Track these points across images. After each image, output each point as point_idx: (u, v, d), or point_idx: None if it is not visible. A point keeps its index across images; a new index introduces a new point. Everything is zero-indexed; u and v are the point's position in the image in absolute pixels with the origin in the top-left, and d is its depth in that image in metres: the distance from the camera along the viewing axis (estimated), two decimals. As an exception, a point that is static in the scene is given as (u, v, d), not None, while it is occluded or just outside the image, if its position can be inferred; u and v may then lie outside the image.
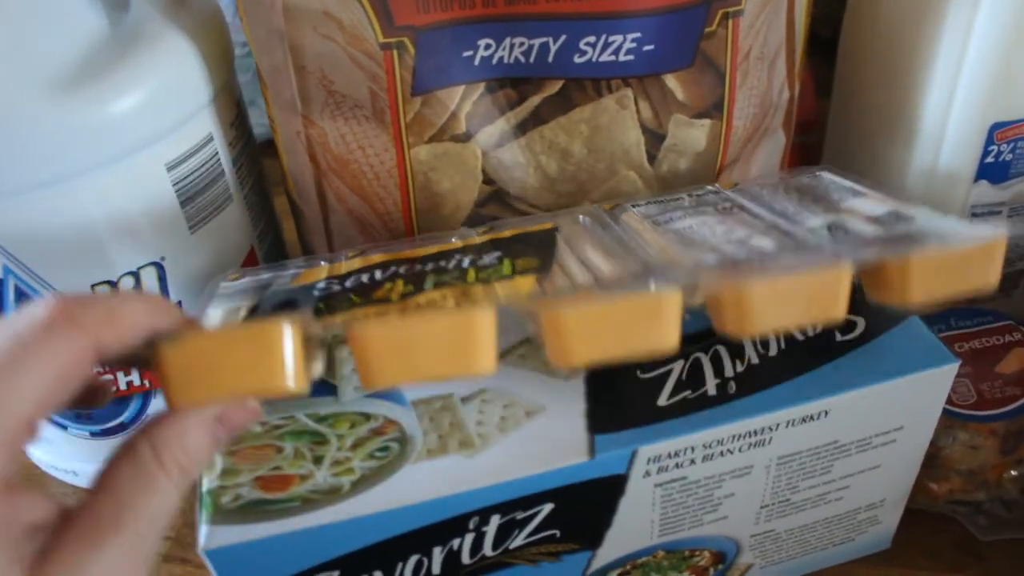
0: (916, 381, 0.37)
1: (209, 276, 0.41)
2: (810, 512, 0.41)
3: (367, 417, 0.36)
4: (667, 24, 0.41)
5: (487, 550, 0.36)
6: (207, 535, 0.32)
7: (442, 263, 0.37)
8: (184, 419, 0.26)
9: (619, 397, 0.36)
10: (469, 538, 0.35)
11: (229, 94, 0.46)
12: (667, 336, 0.28)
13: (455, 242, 0.40)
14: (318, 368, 0.29)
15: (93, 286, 0.41)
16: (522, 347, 0.38)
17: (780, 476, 0.38)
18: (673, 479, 0.36)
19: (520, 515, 0.35)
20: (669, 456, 0.35)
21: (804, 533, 0.42)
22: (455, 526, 0.34)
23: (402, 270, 0.36)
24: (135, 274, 0.42)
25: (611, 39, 0.41)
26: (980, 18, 0.43)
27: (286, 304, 0.34)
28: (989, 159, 0.47)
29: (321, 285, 0.36)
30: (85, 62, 0.39)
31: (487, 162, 0.44)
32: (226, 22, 0.47)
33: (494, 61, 0.42)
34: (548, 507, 0.35)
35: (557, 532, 0.36)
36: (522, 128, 0.44)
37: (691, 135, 0.45)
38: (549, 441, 0.34)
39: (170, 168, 0.42)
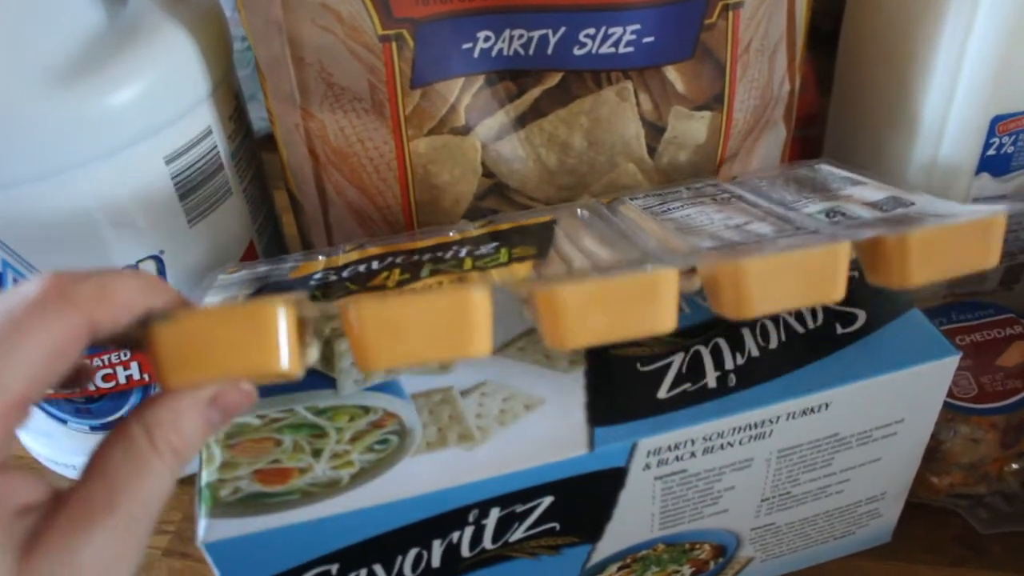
0: (917, 374, 0.37)
1: (208, 269, 0.41)
2: (811, 505, 0.41)
3: (366, 410, 0.36)
4: (667, 16, 0.40)
5: (487, 543, 0.35)
6: (206, 528, 0.32)
7: (439, 253, 0.37)
8: (177, 401, 0.26)
9: (619, 390, 0.36)
10: (469, 531, 0.35)
11: (228, 87, 0.46)
12: (663, 316, 0.28)
13: (453, 235, 0.40)
14: (313, 355, 0.29)
15: (92, 279, 0.41)
16: (521, 340, 0.38)
17: (780, 469, 0.38)
18: (673, 472, 0.36)
19: (520, 508, 0.35)
20: (669, 449, 0.35)
21: (804, 526, 0.42)
22: (454, 519, 0.34)
23: (399, 260, 0.36)
24: (134, 267, 0.42)
25: (611, 31, 0.40)
26: (981, 10, 0.42)
27: (282, 291, 0.34)
28: (990, 152, 0.47)
29: (318, 276, 0.36)
30: (83, 55, 0.39)
31: (487, 155, 0.44)
32: (225, 15, 0.47)
33: (493, 53, 0.41)
34: (548, 500, 0.35)
35: (557, 525, 0.36)
36: (522, 121, 0.44)
37: (691, 127, 0.45)
38: (549, 434, 0.34)
39: (169, 161, 0.41)
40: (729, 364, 0.37)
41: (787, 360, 0.37)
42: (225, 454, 0.34)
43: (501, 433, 0.34)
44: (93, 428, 0.47)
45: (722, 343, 0.38)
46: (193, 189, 0.43)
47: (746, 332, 0.38)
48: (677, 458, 0.35)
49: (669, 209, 0.38)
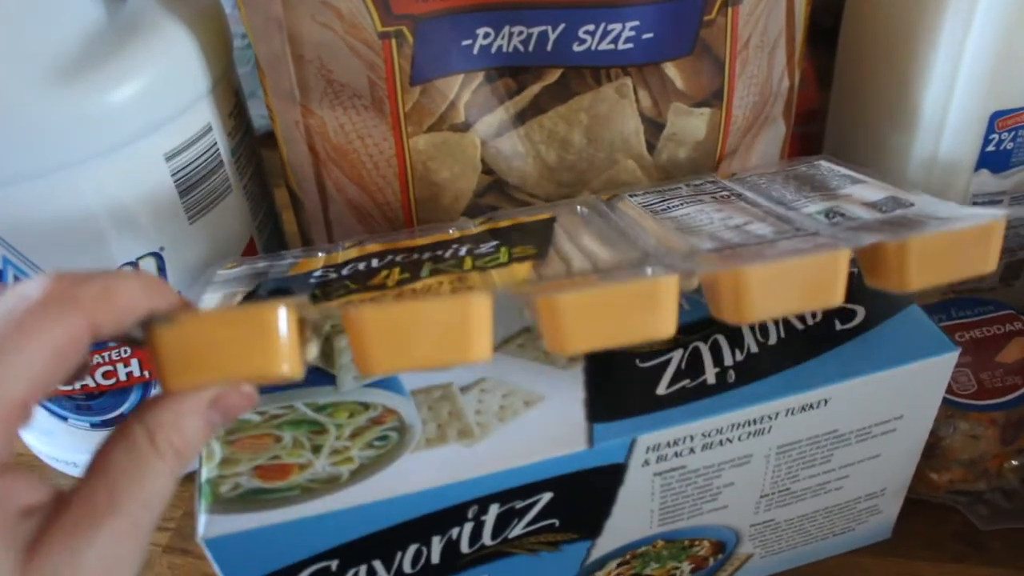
0: (916, 370, 0.37)
1: (208, 266, 0.41)
2: (810, 501, 0.41)
3: (366, 406, 0.36)
4: (666, 12, 0.40)
5: (486, 539, 0.36)
6: (206, 524, 0.32)
7: (439, 252, 0.37)
8: (179, 402, 0.26)
9: (618, 386, 0.36)
10: (468, 527, 0.35)
11: (228, 84, 0.46)
12: (664, 322, 0.28)
13: (453, 232, 0.40)
14: (312, 352, 0.29)
15: (92, 276, 0.41)
16: (520, 337, 0.38)
17: (780, 465, 0.38)
18: (672, 468, 0.36)
19: (519, 504, 0.35)
20: (668, 445, 0.35)
21: (804, 523, 0.42)
22: (454, 515, 0.34)
23: (399, 258, 0.36)
24: (134, 264, 0.42)
25: (610, 27, 0.41)
26: (980, 6, 0.42)
27: (281, 291, 0.34)
28: (990, 148, 0.47)
29: (318, 273, 0.36)
30: (83, 52, 0.39)
31: (486, 152, 0.44)
32: (224, 12, 0.47)
33: (493, 50, 0.41)
34: (547, 496, 0.35)
35: (556, 521, 0.36)
36: (521, 117, 0.44)
37: (691, 124, 0.45)
38: (548, 430, 0.34)
39: (169, 158, 0.42)
40: (728, 360, 0.37)
41: (786, 356, 0.37)
42: (225, 450, 0.34)
43: (500, 429, 0.34)
44: (93, 425, 0.47)
45: (721, 340, 0.38)
46: (193, 186, 0.43)
47: (745, 329, 0.38)
48: (676, 454, 0.35)
49: (668, 208, 0.38)
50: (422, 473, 0.33)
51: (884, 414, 0.38)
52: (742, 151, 0.48)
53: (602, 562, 0.39)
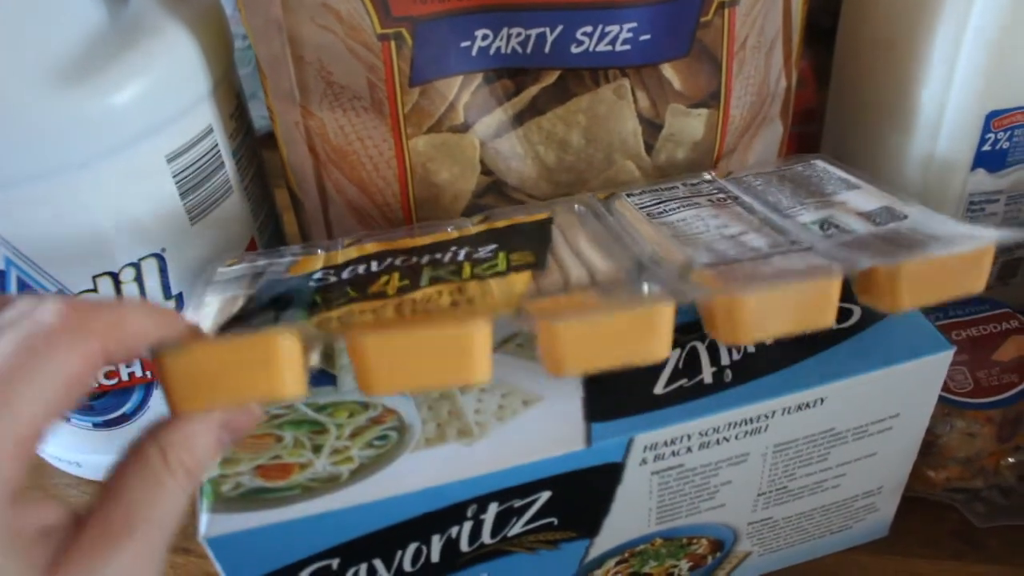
0: (912, 368, 0.37)
1: (210, 262, 0.41)
2: (807, 500, 0.41)
3: (366, 406, 0.36)
4: (663, 14, 0.41)
5: (485, 538, 0.36)
6: (208, 523, 0.32)
7: (438, 255, 0.37)
8: (190, 424, 0.27)
9: (616, 386, 0.36)
10: (467, 526, 0.35)
11: (229, 85, 0.47)
12: (659, 347, 0.29)
13: (451, 231, 0.40)
14: (314, 358, 0.29)
15: (94, 277, 0.41)
16: (519, 337, 0.39)
17: (777, 464, 0.38)
18: (670, 467, 0.36)
19: (518, 503, 0.35)
20: (665, 444, 0.35)
21: (802, 521, 0.42)
22: (453, 514, 0.34)
23: (398, 262, 0.36)
24: (136, 265, 0.42)
25: (608, 29, 0.41)
26: (976, 6, 0.43)
27: (282, 297, 0.34)
28: (986, 147, 0.47)
29: (318, 276, 0.36)
30: (85, 54, 0.39)
31: (485, 153, 0.44)
32: (225, 13, 0.48)
33: (491, 52, 0.42)
34: (546, 495, 0.35)
35: (555, 520, 0.36)
36: (520, 119, 0.44)
37: (688, 124, 0.45)
38: (546, 429, 0.35)
39: (170, 159, 0.42)
40: (725, 360, 0.37)
41: (783, 356, 0.37)
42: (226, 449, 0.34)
43: (499, 429, 0.35)
44: (96, 425, 0.47)
45: (718, 339, 0.38)
46: (194, 187, 0.43)
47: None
48: (673, 453, 0.36)
49: (665, 211, 0.39)
50: (422, 472, 0.33)
51: (880, 413, 0.38)
52: (740, 151, 0.48)
53: (601, 560, 0.39)
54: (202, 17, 0.44)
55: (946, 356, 0.37)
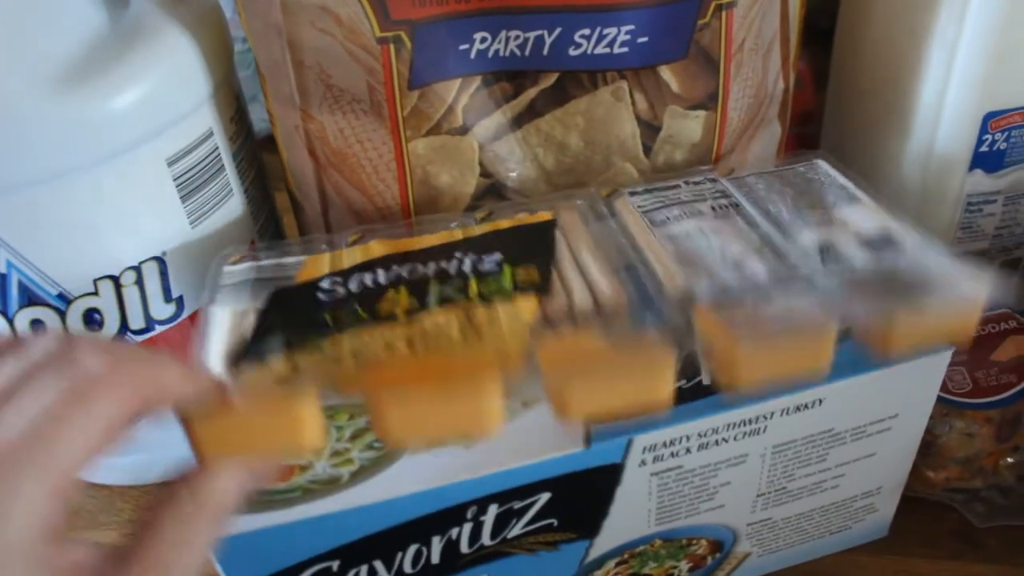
0: (910, 369, 0.37)
1: (214, 257, 0.41)
2: (806, 500, 0.41)
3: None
4: (661, 16, 0.41)
5: (485, 539, 0.36)
6: (208, 525, 0.32)
7: (443, 263, 0.37)
8: (220, 471, 0.28)
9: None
10: (467, 528, 0.35)
11: (229, 89, 0.47)
12: (663, 395, 0.30)
13: (455, 229, 0.40)
14: None
15: (95, 280, 0.42)
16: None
17: (776, 464, 0.38)
18: (669, 468, 0.36)
19: (517, 504, 0.35)
20: (664, 445, 0.35)
21: (801, 521, 0.42)
22: (453, 516, 0.34)
23: (405, 272, 0.36)
24: (136, 268, 0.42)
25: (606, 31, 0.41)
26: (973, 7, 0.43)
27: (292, 317, 0.35)
28: (983, 148, 0.47)
29: (325, 286, 0.36)
30: (85, 58, 0.39)
31: (484, 155, 0.45)
32: (225, 17, 0.48)
33: (490, 54, 0.42)
34: (545, 496, 0.35)
35: (555, 521, 0.36)
36: (518, 121, 0.44)
37: (686, 126, 0.45)
38: (546, 431, 0.35)
39: (170, 163, 0.42)
40: (724, 361, 0.37)
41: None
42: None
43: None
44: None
45: (717, 340, 0.38)
46: (195, 190, 0.44)
47: None
48: (673, 454, 0.36)
49: (668, 219, 0.39)
50: (421, 474, 0.33)
51: (879, 413, 0.38)
52: (738, 152, 0.48)
53: (600, 561, 0.39)
54: (202, 20, 0.44)
55: (945, 356, 0.37)
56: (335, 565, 0.34)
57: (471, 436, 0.30)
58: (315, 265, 0.39)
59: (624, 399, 0.30)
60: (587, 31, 0.41)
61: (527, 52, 0.42)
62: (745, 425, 0.36)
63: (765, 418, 0.36)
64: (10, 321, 0.42)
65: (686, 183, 0.42)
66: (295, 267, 0.39)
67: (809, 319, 0.32)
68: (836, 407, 0.37)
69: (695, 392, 0.36)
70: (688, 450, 0.36)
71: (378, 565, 0.35)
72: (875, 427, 0.39)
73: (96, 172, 0.39)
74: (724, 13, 0.42)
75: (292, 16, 0.40)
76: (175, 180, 0.42)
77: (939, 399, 0.39)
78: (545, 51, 0.42)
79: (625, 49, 0.42)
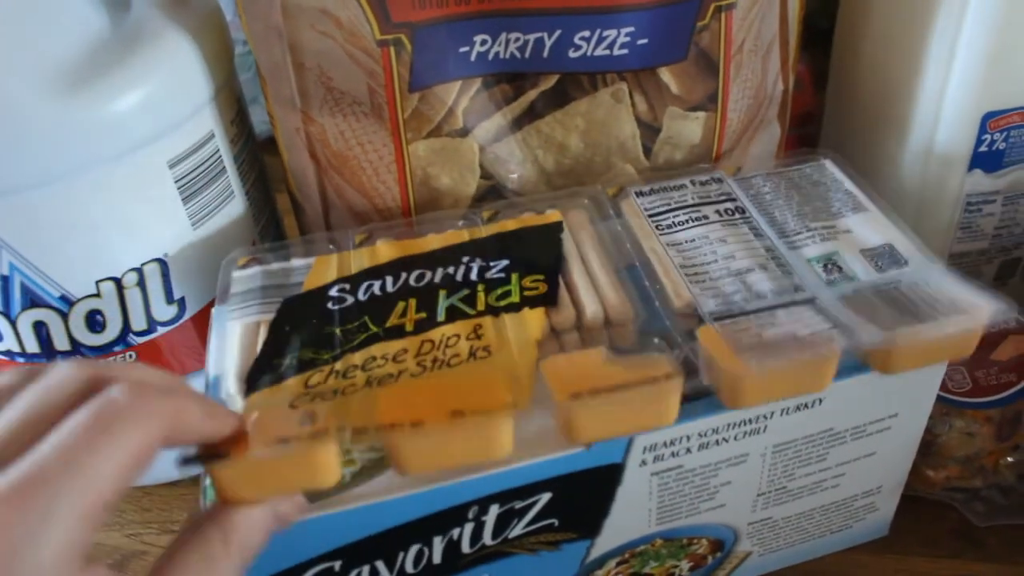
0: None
1: (212, 272, 0.41)
2: (807, 500, 0.41)
3: (367, 409, 0.36)
4: (660, 18, 0.41)
5: (487, 539, 0.36)
6: (211, 526, 0.32)
7: (451, 269, 0.37)
8: (247, 511, 0.29)
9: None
10: (469, 528, 0.35)
11: (230, 91, 0.47)
12: (669, 416, 0.32)
13: (461, 230, 0.40)
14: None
15: (97, 282, 0.42)
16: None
17: (776, 464, 0.38)
18: (670, 468, 0.36)
19: (519, 504, 0.35)
20: (665, 445, 0.35)
21: (801, 520, 0.42)
22: (455, 516, 0.34)
23: (412, 280, 0.37)
24: (138, 270, 0.43)
25: (605, 33, 0.41)
26: (972, 8, 0.43)
27: (303, 332, 0.35)
28: (983, 148, 0.47)
29: (334, 293, 0.36)
30: (87, 60, 0.39)
31: (485, 157, 0.45)
32: (226, 20, 0.48)
33: (490, 57, 0.42)
34: (546, 496, 0.35)
35: (556, 521, 0.36)
36: (518, 123, 0.44)
37: (686, 128, 0.45)
38: (546, 430, 0.35)
39: (172, 165, 0.42)
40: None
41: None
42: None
43: (500, 430, 0.35)
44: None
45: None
46: (196, 192, 0.44)
47: None
48: (673, 454, 0.36)
49: (674, 225, 0.39)
50: (423, 474, 0.33)
51: (878, 412, 0.38)
52: (737, 153, 0.48)
53: (602, 561, 0.39)
54: (203, 23, 0.45)
55: (944, 357, 0.37)
56: (337, 565, 0.34)
57: (483, 461, 0.32)
58: (323, 269, 0.39)
59: (631, 423, 0.32)
60: (587, 33, 0.41)
61: (527, 54, 0.42)
62: (745, 425, 0.36)
63: (765, 418, 0.36)
64: (12, 323, 0.42)
65: (692, 183, 0.42)
66: (303, 271, 0.39)
67: (814, 347, 0.33)
68: (836, 407, 0.37)
69: (695, 392, 0.36)
70: (689, 450, 0.36)
71: (380, 565, 0.35)
72: (875, 426, 0.39)
73: (98, 174, 0.39)
74: (723, 15, 0.42)
75: (293, 19, 0.40)
76: (177, 182, 0.43)
77: (939, 398, 0.40)
78: (545, 53, 0.42)
79: (625, 51, 0.42)
